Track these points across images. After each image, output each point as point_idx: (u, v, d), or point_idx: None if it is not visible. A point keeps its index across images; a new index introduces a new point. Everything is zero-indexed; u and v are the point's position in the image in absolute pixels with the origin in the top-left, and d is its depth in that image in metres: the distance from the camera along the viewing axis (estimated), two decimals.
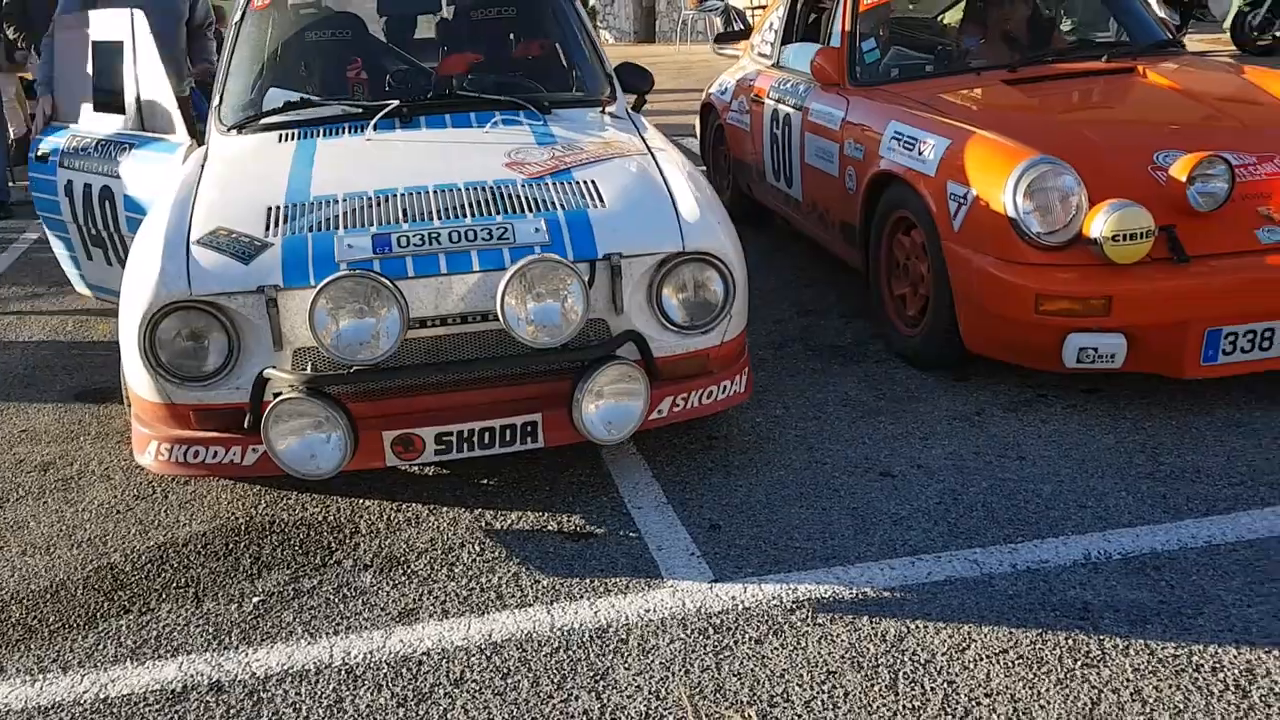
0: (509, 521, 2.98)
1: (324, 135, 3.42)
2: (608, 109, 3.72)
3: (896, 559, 2.70)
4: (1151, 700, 2.15)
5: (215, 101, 3.69)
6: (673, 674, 2.31)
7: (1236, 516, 2.81)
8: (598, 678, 2.31)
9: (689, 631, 2.46)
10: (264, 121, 3.58)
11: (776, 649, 2.38)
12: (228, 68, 3.76)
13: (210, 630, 2.56)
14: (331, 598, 2.67)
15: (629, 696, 2.25)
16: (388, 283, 2.59)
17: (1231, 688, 2.17)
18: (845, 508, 2.96)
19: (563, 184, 3.03)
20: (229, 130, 3.58)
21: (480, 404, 2.86)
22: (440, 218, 2.85)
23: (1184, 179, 3.25)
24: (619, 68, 3.99)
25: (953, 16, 5.49)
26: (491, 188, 2.99)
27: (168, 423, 2.84)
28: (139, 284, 2.75)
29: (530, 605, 2.60)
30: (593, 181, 3.04)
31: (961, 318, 3.54)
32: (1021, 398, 3.57)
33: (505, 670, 2.36)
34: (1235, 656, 2.27)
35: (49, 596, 2.74)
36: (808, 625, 2.45)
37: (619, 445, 3.29)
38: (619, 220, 2.89)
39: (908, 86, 4.28)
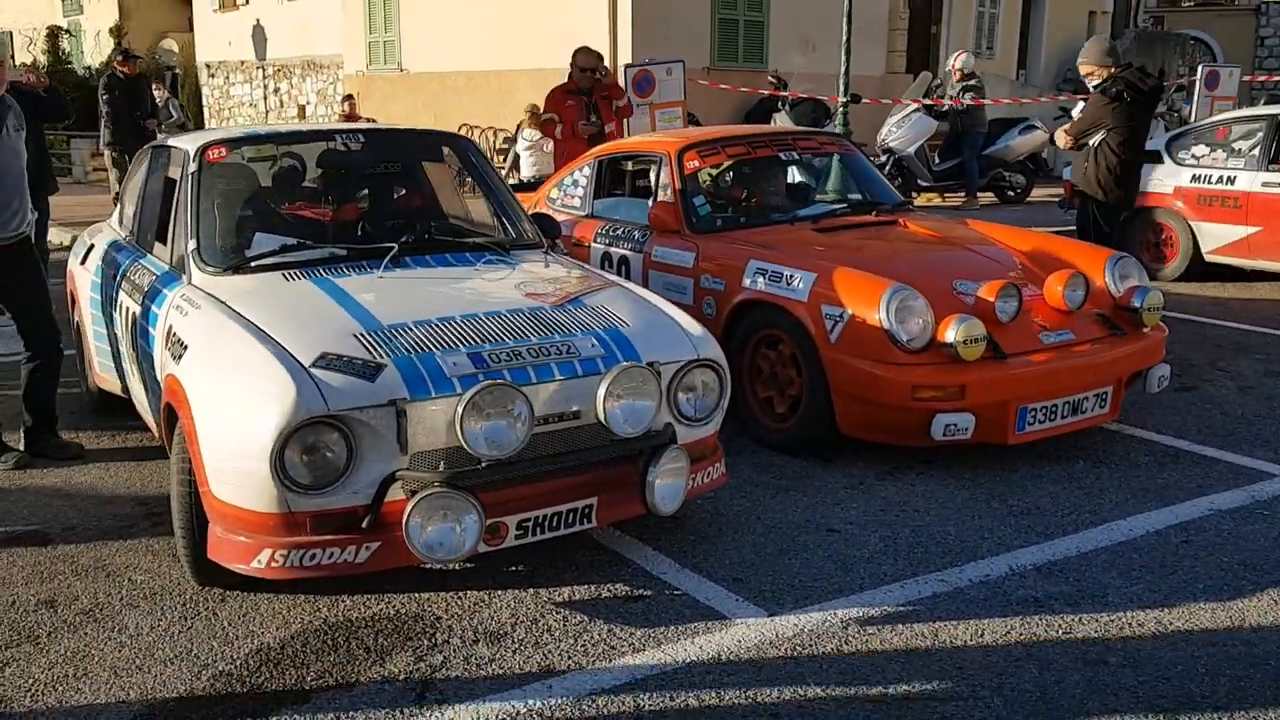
0: (564, 596, 3.47)
1: (333, 274, 3.78)
2: (549, 251, 4.37)
3: (889, 585, 3.53)
4: (1117, 649, 3.12)
5: (191, 245, 3.91)
6: (806, 676, 2.97)
7: (1083, 534, 3.92)
8: (750, 693, 2.91)
9: (785, 649, 3.12)
10: (255, 263, 3.87)
11: (857, 652, 3.11)
12: (195, 215, 3.98)
13: (385, 704, 2.85)
14: (468, 667, 3.04)
15: (787, 699, 2.88)
16: (519, 388, 3.09)
17: (1151, 636, 3.20)
18: (822, 556, 3.75)
19: (582, 309, 3.65)
20: (223, 271, 3.83)
21: (549, 492, 3.36)
22: (509, 338, 3.38)
23: (992, 299, 4.48)
24: (534, 217, 4.65)
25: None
26: (529, 312, 3.56)
27: (282, 531, 3.09)
28: (266, 403, 3.01)
29: (643, 650, 3.13)
30: (605, 306, 3.69)
31: (839, 409, 4.50)
32: (884, 470, 4.57)
33: (670, 698, 2.89)
34: (1144, 619, 3.30)
35: (194, 704, 2.87)
36: (865, 636, 3.20)
37: (608, 533, 3.88)
38: (645, 336, 3.56)
39: (744, 233, 5.30)
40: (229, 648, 3.16)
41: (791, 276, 4.68)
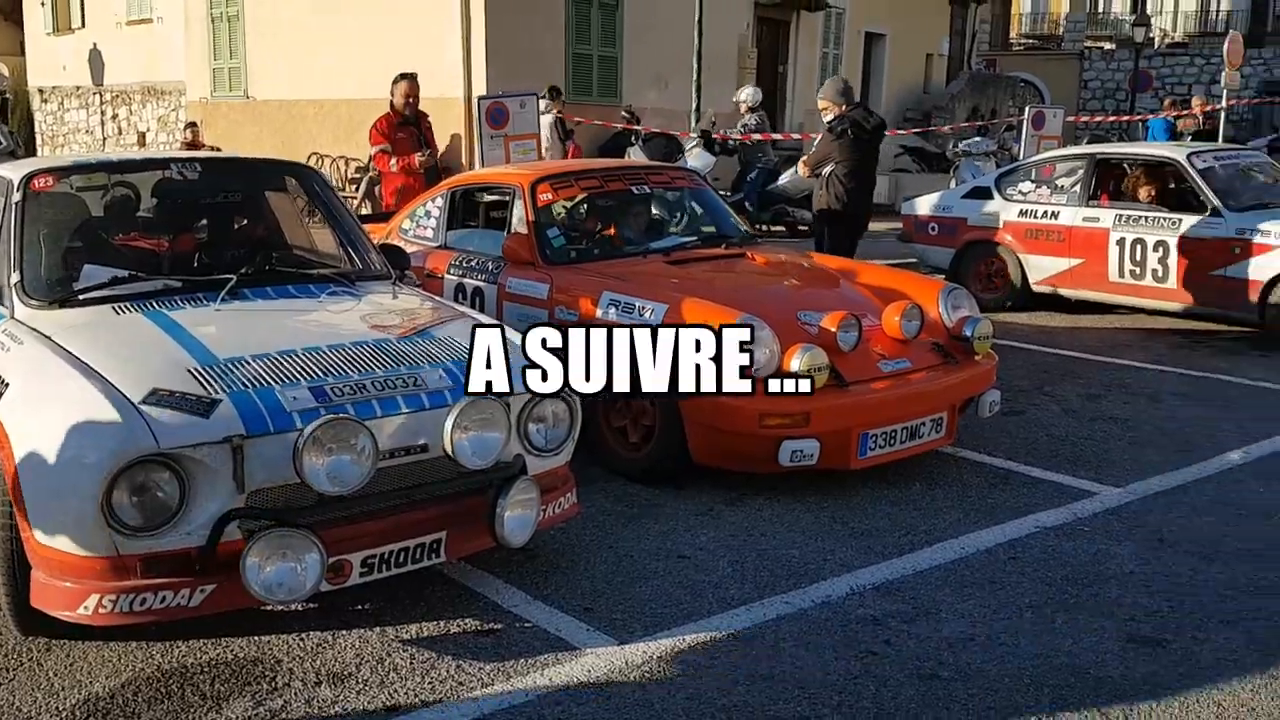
0: (412, 633, 3.42)
1: (166, 307, 3.65)
2: (397, 282, 4.32)
3: (737, 609, 3.60)
4: (949, 664, 3.25)
5: (14, 278, 3.73)
6: (654, 703, 2.99)
7: (918, 553, 4.07)
8: None
9: (634, 677, 3.14)
10: (83, 296, 3.71)
11: (704, 677, 3.15)
12: (19, 246, 3.80)
13: None
14: (310, 710, 2.97)
15: None
16: (362, 423, 3.05)
17: (981, 650, 3.34)
18: (673, 582, 3.80)
19: (430, 341, 3.63)
20: (50, 304, 3.66)
21: (396, 527, 3.31)
22: (353, 371, 3.33)
23: (834, 329, 4.63)
24: (381, 247, 4.59)
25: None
26: (374, 344, 3.51)
27: (110, 575, 2.96)
28: (92, 442, 2.89)
29: (491, 684, 3.11)
30: (454, 337, 3.67)
31: (691, 438, 4.57)
32: (730, 497, 4.65)
33: None
34: (974, 633, 3.45)
35: None
36: (712, 660, 3.26)
37: (459, 567, 3.84)
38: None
39: (597, 265, 5.35)
40: (54, 699, 3.01)
41: (644, 307, 4.75)
